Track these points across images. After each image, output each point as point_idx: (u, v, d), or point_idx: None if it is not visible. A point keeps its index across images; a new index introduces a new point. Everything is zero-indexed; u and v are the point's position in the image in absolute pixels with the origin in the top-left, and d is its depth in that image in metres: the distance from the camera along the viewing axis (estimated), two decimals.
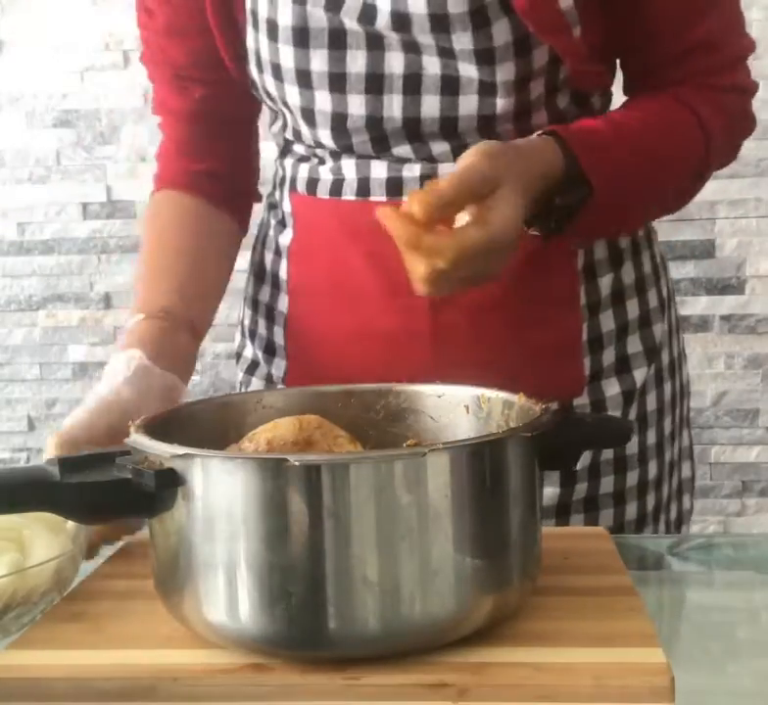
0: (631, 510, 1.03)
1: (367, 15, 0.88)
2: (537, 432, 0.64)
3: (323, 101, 0.92)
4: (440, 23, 0.87)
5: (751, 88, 0.98)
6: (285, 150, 1.04)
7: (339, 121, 0.93)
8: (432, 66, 0.90)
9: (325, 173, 0.98)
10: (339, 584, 0.59)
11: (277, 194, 1.05)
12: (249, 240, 1.10)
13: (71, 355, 2.36)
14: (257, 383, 1.09)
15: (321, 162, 0.98)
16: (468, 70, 0.89)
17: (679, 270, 2.18)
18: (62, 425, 0.80)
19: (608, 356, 1.01)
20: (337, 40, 0.90)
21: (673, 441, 1.09)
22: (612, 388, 1.01)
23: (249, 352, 1.10)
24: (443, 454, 0.60)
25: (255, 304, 1.08)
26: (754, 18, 2.09)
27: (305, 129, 0.96)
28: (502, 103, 0.90)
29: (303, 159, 1.00)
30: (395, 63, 0.90)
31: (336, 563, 0.59)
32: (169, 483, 0.60)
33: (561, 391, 0.98)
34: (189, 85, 1.02)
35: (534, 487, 0.66)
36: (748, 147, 2.04)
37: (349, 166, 0.96)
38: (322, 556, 0.59)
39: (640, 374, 1.03)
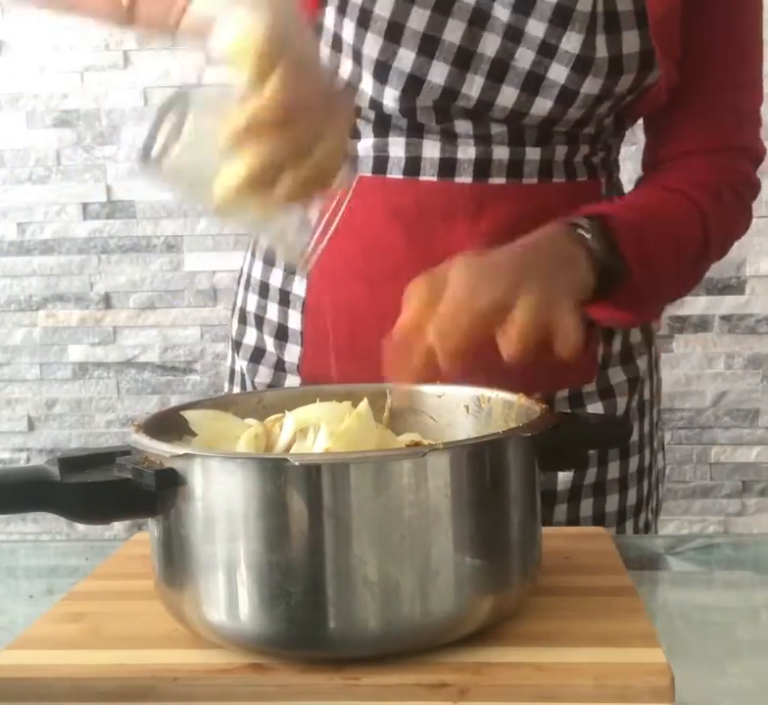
0: (632, 496, 1.05)
1: None
2: (537, 432, 0.64)
3: (406, 59, 0.89)
4: (561, 16, 0.87)
5: (758, 186, 1.01)
6: None
7: (414, 84, 0.90)
8: (524, 59, 0.89)
9: (366, 150, 0.95)
10: (339, 584, 0.59)
11: None
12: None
13: (71, 355, 2.36)
14: (264, 371, 1.05)
15: (357, 136, 0.95)
16: (558, 73, 0.89)
17: None
18: None
19: (616, 344, 1.03)
20: (444, 4, 0.88)
21: (658, 430, 1.11)
22: (618, 375, 1.03)
23: (251, 338, 1.06)
24: (443, 454, 0.60)
25: (264, 287, 1.04)
26: None
27: (366, 85, 0.92)
28: (572, 112, 0.91)
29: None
30: (490, 45, 0.89)
31: (336, 563, 0.59)
32: (170, 483, 0.60)
33: (575, 377, 1.00)
34: None
35: (534, 487, 0.66)
36: None
37: (397, 144, 0.94)
38: (322, 556, 0.59)
39: (642, 362, 1.05)
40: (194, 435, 0.73)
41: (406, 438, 0.76)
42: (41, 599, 0.81)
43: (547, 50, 0.89)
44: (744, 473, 2.26)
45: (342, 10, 0.91)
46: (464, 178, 0.93)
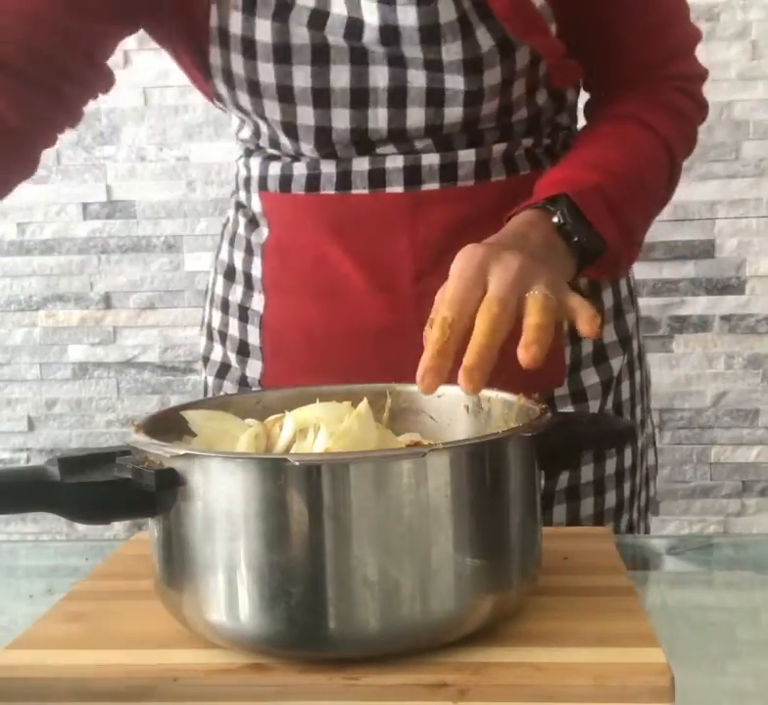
0: (610, 498, 1.04)
1: (353, 30, 0.87)
2: (537, 432, 0.64)
3: (306, 116, 0.91)
4: (431, 34, 0.86)
5: (704, 74, 1.00)
6: (250, 150, 1.01)
7: (323, 134, 0.92)
8: (417, 79, 0.89)
9: (300, 169, 0.96)
10: (339, 584, 0.59)
11: (243, 194, 1.03)
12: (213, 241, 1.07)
13: (71, 355, 2.35)
14: (229, 386, 1.06)
15: (295, 159, 0.96)
16: (455, 82, 0.88)
17: (679, 270, 2.18)
18: None
19: (586, 346, 1.02)
20: (320, 56, 0.88)
21: (643, 428, 1.11)
22: (591, 377, 1.02)
23: (218, 354, 1.08)
24: (443, 454, 0.60)
25: (225, 304, 1.05)
26: (754, 18, 2.09)
27: (284, 140, 0.95)
28: (486, 106, 0.91)
29: (271, 157, 0.98)
30: (380, 76, 0.89)
31: (336, 563, 0.59)
32: (170, 483, 0.60)
33: (544, 381, 0.99)
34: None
35: (534, 487, 0.66)
36: (748, 147, 2.03)
37: (328, 163, 0.95)
38: (322, 556, 0.59)
39: (616, 363, 1.04)
40: (194, 435, 0.73)
41: (406, 438, 0.76)
42: (41, 599, 0.80)
43: (434, 65, 0.88)
44: (744, 473, 2.26)
45: (229, 83, 0.92)
46: (395, 188, 0.93)
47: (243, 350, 1.04)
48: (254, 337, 1.03)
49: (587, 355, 1.02)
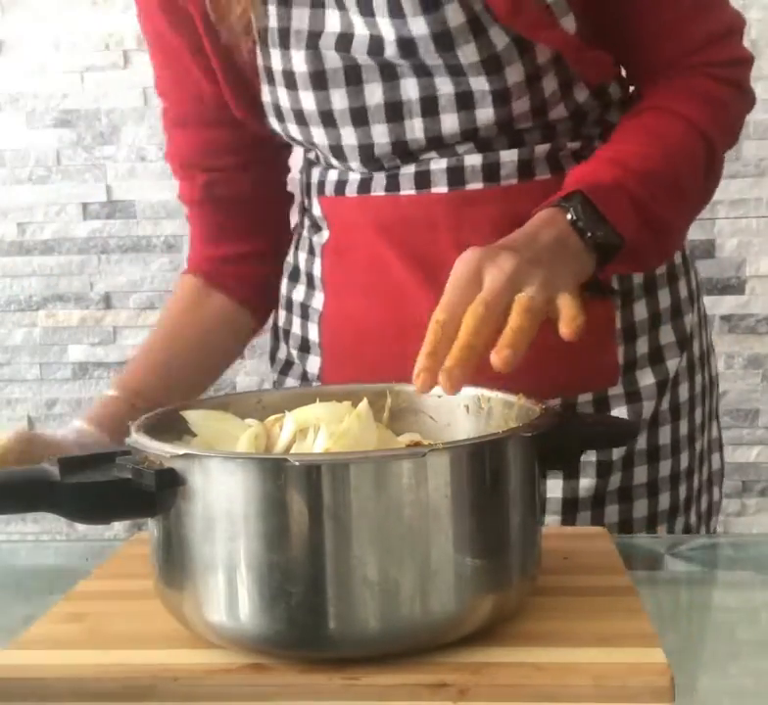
0: (664, 501, 1.04)
1: (375, 47, 0.90)
2: (537, 432, 0.64)
3: (349, 136, 0.95)
4: (443, 40, 0.88)
5: (748, 58, 0.97)
6: (311, 163, 1.06)
7: (366, 151, 0.95)
8: (445, 85, 0.91)
9: (354, 175, 1.00)
10: (339, 584, 0.59)
11: (306, 200, 1.07)
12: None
13: (71, 355, 2.35)
14: (291, 382, 1.10)
15: (350, 169, 1.00)
16: (479, 83, 0.90)
17: None
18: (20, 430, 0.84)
19: (641, 346, 1.02)
20: (353, 76, 0.92)
21: (703, 432, 1.09)
22: (646, 378, 1.02)
23: (283, 353, 1.12)
24: (443, 454, 0.60)
25: (289, 303, 1.09)
26: (754, 17, 2.09)
27: (335, 161, 0.99)
28: (517, 104, 0.92)
29: (329, 166, 1.02)
30: (410, 88, 0.92)
31: (336, 563, 0.59)
32: (169, 483, 0.60)
33: (596, 380, 0.99)
34: (195, 174, 1.05)
35: (534, 487, 0.66)
36: (749, 147, 2.03)
37: (378, 172, 0.98)
38: (322, 556, 0.59)
39: (672, 364, 1.04)
40: (194, 435, 0.73)
41: (406, 438, 0.76)
42: (41, 599, 0.80)
43: (455, 70, 0.90)
44: (744, 473, 2.26)
45: (280, 118, 0.97)
46: (440, 188, 0.96)
47: (304, 346, 1.08)
48: (314, 333, 1.06)
49: (642, 356, 1.02)
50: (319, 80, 0.93)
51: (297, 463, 0.58)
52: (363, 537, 0.59)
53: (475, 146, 0.95)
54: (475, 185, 0.95)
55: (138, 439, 0.64)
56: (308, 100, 0.94)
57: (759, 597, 0.82)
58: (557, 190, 0.92)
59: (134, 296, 2.32)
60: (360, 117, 0.94)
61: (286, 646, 0.61)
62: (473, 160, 0.95)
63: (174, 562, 0.63)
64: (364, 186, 0.99)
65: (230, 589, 0.60)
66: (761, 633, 0.74)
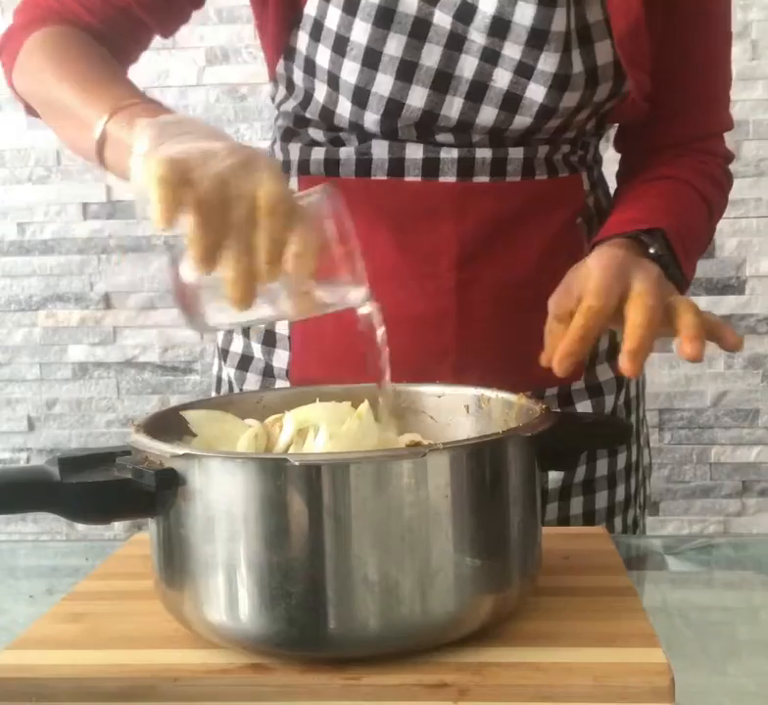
0: (620, 492, 1.06)
1: (464, 13, 0.88)
2: (537, 432, 0.65)
3: (385, 84, 0.91)
4: (538, 38, 0.88)
5: (731, 157, 1.06)
6: (288, 134, 1.01)
7: (394, 108, 0.92)
8: (502, 79, 0.91)
9: (347, 153, 0.96)
10: (339, 584, 0.59)
11: None
12: None
13: (71, 355, 2.35)
14: (252, 377, 1.05)
15: (339, 143, 0.97)
16: (536, 93, 0.90)
17: None
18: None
19: (603, 342, 1.03)
20: (420, 30, 0.89)
21: (644, 426, 1.13)
22: (606, 373, 1.04)
23: (237, 346, 1.07)
24: (443, 454, 0.60)
25: None
26: (754, 18, 2.09)
27: (343, 109, 0.94)
28: (551, 123, 0.93)
29: (313, 143, 0.98)
30: (467, 67, 0.91)
31: (336, 563, 0.59)
32: (169, 483, 0.60)
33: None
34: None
35: (534, 487, 0.66)
36: (748, 147, 2.03)
37: (380, 147, 0.95)
38: (322, 556, 0.59)
39: None
40: (194, 435, 0.73)
41: (405, 438, 0.76)
42: (41, 599, 0.81)
43: (524, 70, 0.90)
44: (744, 473, 2.26)
45: (315, 36, 0.92)
46: (448, 178, 0.95)
47: (269, 340, 1.04)
48: (281, 326, 1.02)
49: (603, 351, 1.04)
50: (385, 18, 0.89)
51: (297, 463, 0.58)
52: (364, 537, 0.59)
53: (489, 139, 0.94)
54: (482, 178, 0.95)
55: (138, 439, 0.64)
56: (360, 30, 0.89)
57: (759, 597, 0.82)
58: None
59: (134, 296, 2.32)
60: (407, 71, 0.90)
61: (286, 646, 0.61)
62: (484, 153, 0.94)
63: (174, 562, 0.63)
64: (363, 168, 0.96)
65: (230, 589, 0.60)
66: (761, 633, 0.74)
